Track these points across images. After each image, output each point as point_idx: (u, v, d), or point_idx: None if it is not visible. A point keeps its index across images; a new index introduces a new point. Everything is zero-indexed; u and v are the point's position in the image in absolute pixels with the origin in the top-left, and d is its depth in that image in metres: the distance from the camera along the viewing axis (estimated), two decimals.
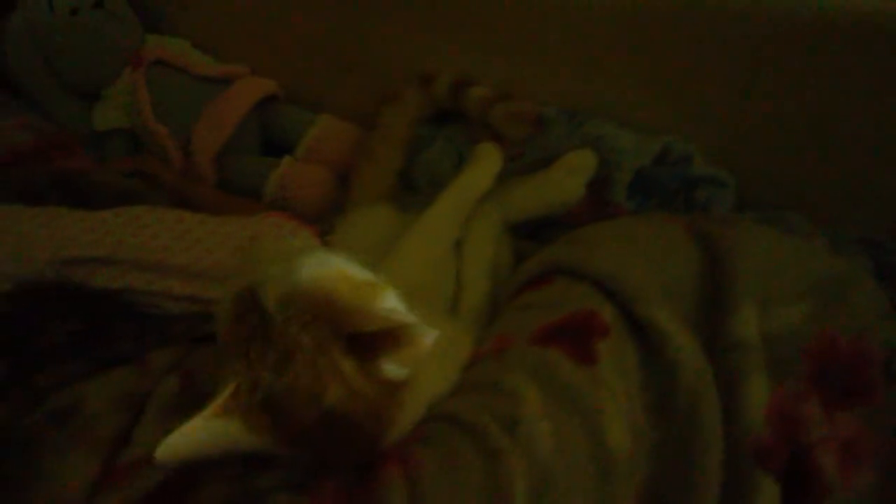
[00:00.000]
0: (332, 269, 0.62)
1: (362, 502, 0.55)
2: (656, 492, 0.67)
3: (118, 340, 0.74)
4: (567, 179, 0.99)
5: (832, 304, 0.73)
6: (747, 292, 0.72)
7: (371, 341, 0.59)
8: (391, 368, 0.60)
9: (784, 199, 1.01)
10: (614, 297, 0.74)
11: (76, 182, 0.92)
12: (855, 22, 0.86)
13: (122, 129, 1.28)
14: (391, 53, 1.18)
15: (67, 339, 0.72)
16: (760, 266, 0.74)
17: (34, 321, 0.72)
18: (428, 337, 0.60)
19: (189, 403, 0.69)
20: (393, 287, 0.74)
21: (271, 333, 0.57)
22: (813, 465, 0.66)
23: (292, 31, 1.25)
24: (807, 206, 1.00)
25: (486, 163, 0.96)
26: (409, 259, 0.88)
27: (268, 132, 1.30)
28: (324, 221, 1.05)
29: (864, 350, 0.70)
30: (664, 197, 1.02)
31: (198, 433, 0.56)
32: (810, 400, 0.68)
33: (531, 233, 1.05)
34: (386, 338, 0.59)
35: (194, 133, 1.19)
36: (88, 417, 0.68)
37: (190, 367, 0.74)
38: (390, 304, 0.62)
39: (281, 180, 1.19)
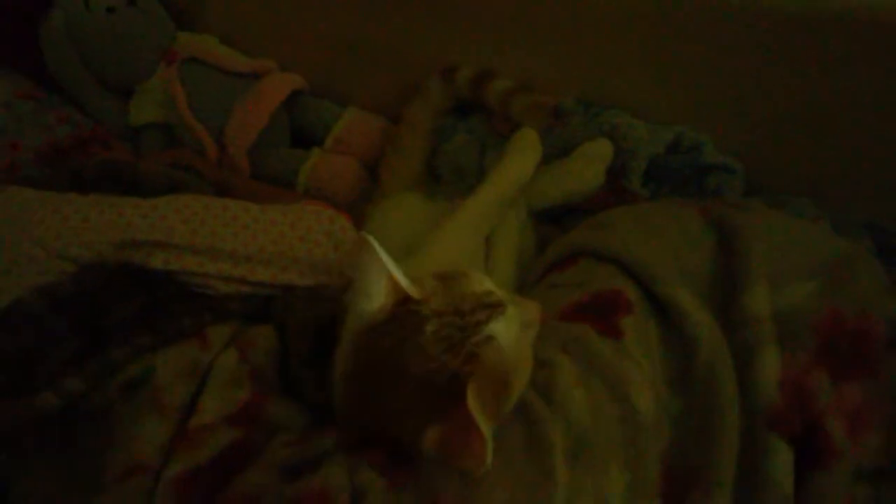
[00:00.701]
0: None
1: (410, 461, 0.61)
2: (680, 457, 0.72)
3: (179, 316, 0.79)
4: (586, 168, 1.02)
5: (838, 283, 0.76)
6: (759, 271, 0.76)
7: None
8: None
9: (791, 185, 1.04)
10: (637, 277, 0.79)
11: (124, 173, 0.96)
12: (860, 15, 0.89)
13: (157, 124, 1.31)
14: (414, 47, 1.21)
15: (134, 315, 0.76)
16: (771, 247, 0.78)
17: (102, 300, 0.76)
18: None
19: (246, 374, 0.75)
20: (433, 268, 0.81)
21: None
22: (823, 432, 0.70)
23: (317, 27, 1.28)
24: (812, 191, 1.03)
25: (529, 151, 0.98)
26: (446, 246, 0.91)
27: (296, 125, 1.33)
28: (354, 210, 1.08)
29: (868, 325, 0.73)
30: (677, 183, 1.05)
31: None
32: (818, 371, 0.71)
33: (554, 220, 1.10)
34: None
35: (228, 127, 1.22)
36: (158, 387, 0.73)
37: (246, 341, 0.79)
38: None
39: (312, 171, 1.23)
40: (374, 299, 0.65)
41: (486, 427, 0.58)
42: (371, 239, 0.63)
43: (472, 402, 0.57)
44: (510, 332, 0.65)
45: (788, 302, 0.75)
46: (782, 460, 0.69)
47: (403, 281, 0.64)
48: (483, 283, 0.68)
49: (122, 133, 1.34)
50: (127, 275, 0.79)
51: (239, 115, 1.22)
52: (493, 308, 0.65)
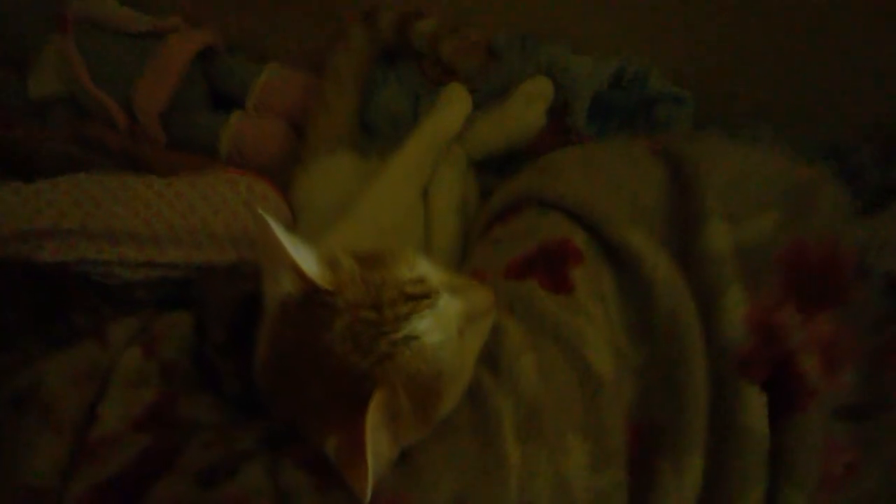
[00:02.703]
0: None
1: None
2: (645, 413, 0.67)
3: (74, 315, 0.71)
4: (526, 109, 0.97)
5: (800, 211, 0.73)
6: (716, 206, 0.72)
7: None
8: None
9: (744, 111, 1.01)
10: (584, 222, 0.73)
11: (14, 152, 0.87)
12: None
13: (62, 98, 1.21)
14: None
15: (19, 318, 0.68)
16: (727, 179, 0.74)
17: None
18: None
19: (154, 372, 0.67)
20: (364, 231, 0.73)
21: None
22: (796, 371, 0.67)
23: None
24: (768, 116, 1.00)
25: (456, 105, 0.94)
26: (379, 204, 0.86)
27: (216, 87, 1.23)
28: (283, 174, 1.01)
29: (834, 252, 0.70)
30: (624, 119, 1.01)
31: None
32: (787, 307, 0.69)
33: (497, 169, 1.03)
34: None
35: (135, 93, 1.13)
36: (49, 398, 0.65)
37: (152, 334, 0.71)
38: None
39: (233, 136, 1.14)
40: (282, 285, 0.57)
41: (388, 444, 0.53)
42: (269, 219, 0.54)
43: (375, 416, 0.50)
44: (443, 328, 0.56)
45: (750, 235, 0.72)
46: (756, 407, 0.65)
47: (310, 268, 0.56)
48: (415, 267, 0.59)
49: (30, 110, 1.22)
50: (11, 272, 0.69)
51: (145, 80, 1.12)
52: (419, 300, 0.56)
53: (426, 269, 0.59)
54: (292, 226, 0.91)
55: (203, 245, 0.81)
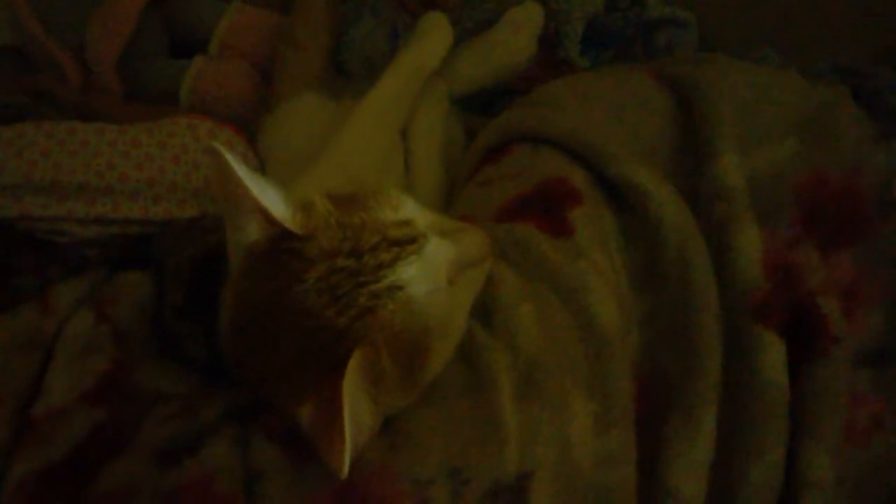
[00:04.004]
0: None
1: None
2: (653, 366, 0.63)
3: (15, 278, 0.64)
4: (513, 38, 0.91)
5: (818, 138, 0.69)
6: (727, 135, 0.68)
7: None
8: None
9: (749, 33, 0.97)
10: (583, 159, 0.68)
11: None
12: None
13: (9, 48, 1.12)
14: None
15: None
16: (738, 104, 0.70)
17: None
18: None
19: (106, 339, 0.61)
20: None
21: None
22: (816, 315, 0.63)
23: None
24: (774, 39, 0.96)
25: (435, 35, 0.86)
26: (352, 147, 0.79)
27: (176, 32, 1.15)
28: (251, 123, 0.95)
29: (855, 183, 0.67)
30: (621, 46, 0.98)
31: None
32: (804, 244, 0.66)
33: (484, 107, 0.98)
34: None
35: (88, 40, 1.05)
36: None
37: (104, 297, 0.65)
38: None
39: (195, 82, 1.06)
40: (247, 232, 0.50)
41: (369, 411, 0.46)
42: (229, 156, 0.47)
43: (353, 378, 0.44)
44: (431, 277, 0.50)
45: (764, 166, 0.68)
46: (773, 355, 0.61)
47: (278, 210, 0.49)
48: (400, 208, 0.52)
49: None
50: None
51: (98, 26, 1.05)
52: (403, 246, 0.49)
53: (412, 211, 0.52)
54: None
55: (161, 198, 0.75)
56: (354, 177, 0.77)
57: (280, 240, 0.49)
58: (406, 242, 0.49)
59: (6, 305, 0.63)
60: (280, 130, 0.89)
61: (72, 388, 0.59)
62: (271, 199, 0.48)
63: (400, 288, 0.48)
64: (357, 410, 0.45)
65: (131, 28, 1.05)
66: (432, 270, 0.49)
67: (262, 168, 0.87)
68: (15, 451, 0.56)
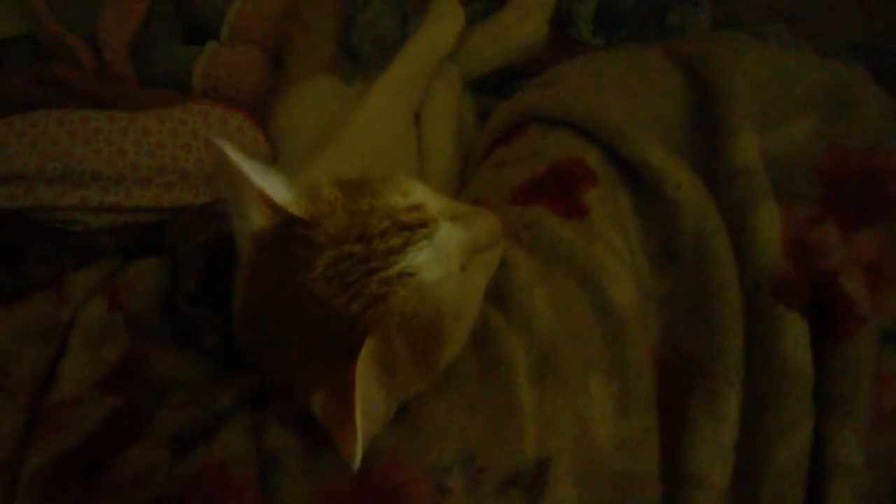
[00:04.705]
0: None
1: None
2: (674, 348, 0.62)
3: (30, 267, 0.64)
4: (525, 19, 0.90)
5: (838, 115, 0.68)
6: (744, 113, 0.67)
7: None
8: None
9: (763, 11, 0.95)
10: (598, 139, 0.67)
11: None
12: None
13: (23, 37, 1.12)
14: None
15: None
16: (755, 82, 0.69)
17: None
18: None
19: (120, 326, 0.61)
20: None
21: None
22: (839, 294, 0.61)
23: None
24: (789, 16, 0.93)
25: (448, 19, 0.86)
26: (365, 132, 0.79)
27: (188, 18, 1.15)
28: (263, 109, 0.94)
29: (878, 160, 0.65)
30: (634, 26, 0.95)
31: None
32: (826, 223, 0.64)
33: (496, 89, 0.97)
34: None
35: (100, 27, 1.04)
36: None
37: (118, 285, 0.64)
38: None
39: (207, 68, 1.05)
40: (251, 220, 0.49)
41: (382, 400, 0.45)
42: (224, 144, 0.46)
43: (365, 367, 0.43)
44: (443, 262, 0.49)
45: (782, 144, 0.67)
46: (797, 336, 0.60)
47: (281, 196, 0.48)
48: (410, 193, 0.51)
49: None
50: None
51: (110, 13, 1.04)
52: (414, 231, 0.48)
53: (423, 196, 0.51)
54: (271, 161, 0.83)
55: (174, 185, 0.74)
56: (367, 161, 0.76)
57: (286, 226, 0.48)
58: (417, 227, 0.48)
59: (21, 294, 0.62)
60: (292, 115, 0.89)
61: (86, 376, 0.58)
62: (273, 186, 0.48)
63: (411, 274, 0.47)
64: (369, 399, 0.44)
65: (143, 14, 1.05)
66: (444, 256, 0.49)
67: (273, 153, 0.86)
68: (31, 439, 0.55)
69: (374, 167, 0.75)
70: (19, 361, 0.60)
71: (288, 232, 0.48)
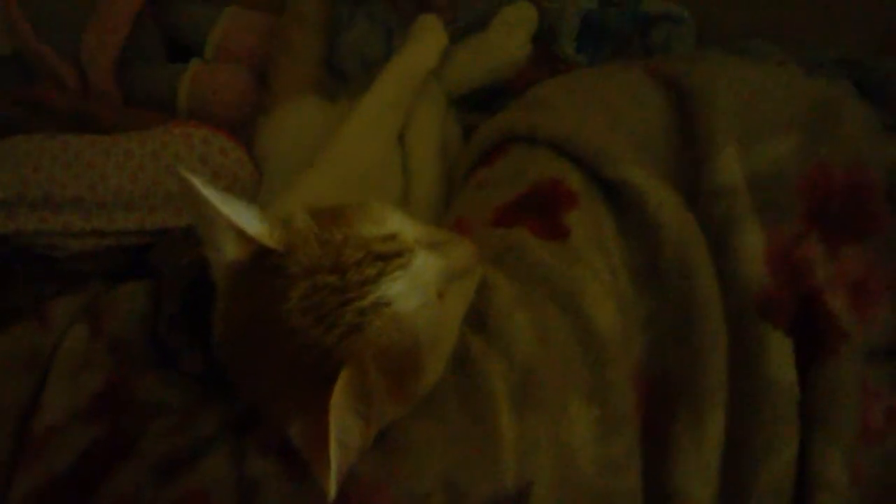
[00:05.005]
0: None
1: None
2: (657, 369, 0.62)
3: (10, 292, 0.64)
4: (508, 37, 0.90)
5: (821, 132, 0.67)
6: (726, 131, 0.67)
7: None
8: None
9: (747, 27, 0.94)
10: (579, 160, 0.67)
11: None
12: None
13: (6, 57, 1.12)
14: None
15: None
16: (738, 100, 0.69)
17: None
18: None
19: (102, 352, 0.60)
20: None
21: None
22: (824, 311, 0.61)
23: None
24: (773, 32, 0.93)
25: (429, 38, 0.86)
26: (349, 152, 0.79)
27: (172, 37, 1.15)
28: (248, 128, 0.94)
29: (862, 177, 0.66)
30: (618, 43, 0.95)
31: None
32: (810, 239, 0.64)
33: (481, 106, 0.96)
34: None
35: (83, 47, 1.04)
36: None
37: (101, 310, 0.64)
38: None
39: (191, 87, 1.05)
40: (226, 252, 0.49)
41: (358, 429, 0.45)
42: (192, 178, 0.46)
43: (340, 399, 0.43)
44: (419, 291, 0.48)
45: (765, 162, 0.67)
46: (781, 354, 0.60)
47: (252, 227, 0.48)
48: (383, 223, 0.50)
49: None
50: None
51: (93, 32, 1.04)
52: (389, 261, 0.48)
53: (398, 224, 0.51)
54: (256, 182, 0.83)
55: (157, 208, 0.74)
56: (351, 181, 0.76)
57: (260, 257, 0.48)
58: (392, 257, 0.48)
59: (3, 322, 0.62)
60: (276, 134, 0.88)
61: (69, 404, 0.58)
62: (244, 217, 0.47)
63: (386, 304, 0.47)
64: (345, 430, 0.44)
65: (126, 33, 1.05)
66: (420, 284, 0.48)
67: (257, 173, 0.86)
68: (16, 468, 0.55)
69: (358, 188, 0.76)
70: (3, 391, 0.59)
71: (262, 263, 0.48)
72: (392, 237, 0.49)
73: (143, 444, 0.55)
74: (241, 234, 0.47)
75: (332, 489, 0.41)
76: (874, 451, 0.61)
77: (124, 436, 0.56)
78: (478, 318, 0.57)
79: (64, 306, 0.64)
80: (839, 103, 0.69)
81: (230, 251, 0.48)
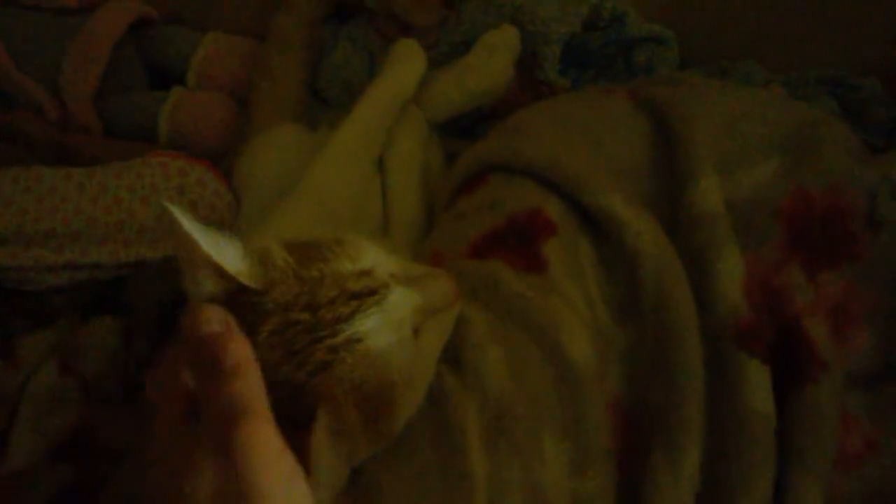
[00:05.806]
0: None
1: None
2: (637, 396, 0.60)
3: None
4: (490, 62, 0.88)
5: (802, 155, 0.66)
6: (705, 158, 0.65)
7: None
8: None
9: (731, 48, 0.94)
10: (558, 188, 0.66)
11: None
12: None
13: None
14: None
15: None
16: (717, 125, 0.68)
17: None
18: None
19: (72, 391, 0.59)
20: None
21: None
22: (803, 339, 0.60)
23: None
24: (758, 52, 0.93)
25: (407, 62, 0.85)
26: (327, 180, 0.78)
27: (153, 64, 1.14)
28: (230, 154, 0.93)
29: (841, 201, 0.64)
30: (601, 66, 0.95)
31: None
32: (790, 265, 0.63)
33: (465, 132, 0.97)
34: None
35: (63, 77, 1.03)
36: None
37: (71, 349, 0.63)
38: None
39: (172, 115, 1.04)
40: (203, 286, 0.48)
41: (336, 469, 0.44)
42: (174, 211, 0.45)
43: (320, 437, 0.42)
44: (393, 328, 0.48)
45: (745, 188, 0.66)
46: (758, 383, 0.58)
47: (232, 265, 0.47)
48: (358, 259, 0.50)
49: None
50: None
51: (72, 58, 1.03)
52: (363, 299, 0.47)
53: (373, 260, 0.50)
54: (234, 212, 0.82)
55: (132, 241, 0.73)
56: (330, 210, 0.76)
57: (236, 294, 0.47)
58: (366, 295, 0.47)
59: None
60: (256, 162, 0.87)
61: (37, 447, 0.57)
62: (225, 255, 0.46)
63: (359, 340, 0.46)
64: (327, 470, 0.43)
65: (107, 61, 1.04)
66: (395, 321, 0.48)
67: (237, 202, 0.85)
68: None
69: (338, 217, 0.75)
70: None
71: (239, 299, 0.47)
72: (367, 273, 0.48)
73: (112, 486, 0.53)
74: (220, 272, 0.47)
75: None
76: (853, 479, 0.59)
77: (93, 477, 0.55)
78: (452, 353, 0.56)
79: (33, 344, 0.63)
80: (820, 127, 0.68)
81: (208, 286, 0.47)
